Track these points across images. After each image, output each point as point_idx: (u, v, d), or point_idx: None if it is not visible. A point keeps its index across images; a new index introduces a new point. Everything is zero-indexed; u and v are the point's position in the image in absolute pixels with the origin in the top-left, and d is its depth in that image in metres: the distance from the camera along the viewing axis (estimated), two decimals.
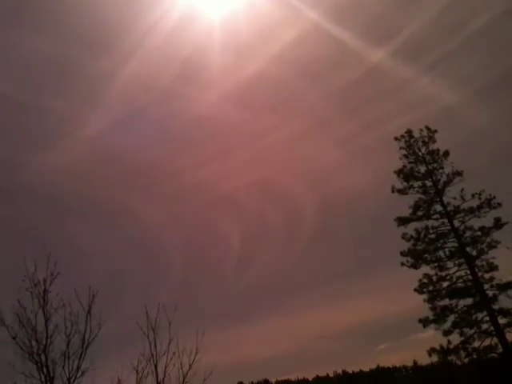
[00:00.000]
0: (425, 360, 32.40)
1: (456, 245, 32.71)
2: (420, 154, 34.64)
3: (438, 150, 34.30)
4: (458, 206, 33.03)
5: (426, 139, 34.70)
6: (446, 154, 34.15)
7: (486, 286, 31.28)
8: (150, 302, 16.34)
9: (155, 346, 15.36)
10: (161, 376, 15.21)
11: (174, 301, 16.47)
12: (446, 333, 30.88)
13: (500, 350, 29.78)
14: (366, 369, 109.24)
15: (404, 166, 34.61)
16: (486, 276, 31.54)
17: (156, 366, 15.19)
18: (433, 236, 33.20)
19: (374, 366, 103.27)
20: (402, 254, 33.16)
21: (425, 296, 32.08)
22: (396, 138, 35.28)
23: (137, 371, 14.61)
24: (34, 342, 13.48)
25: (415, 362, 24.00)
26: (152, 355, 15.23)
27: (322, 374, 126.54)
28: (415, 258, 32.93)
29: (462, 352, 30.23)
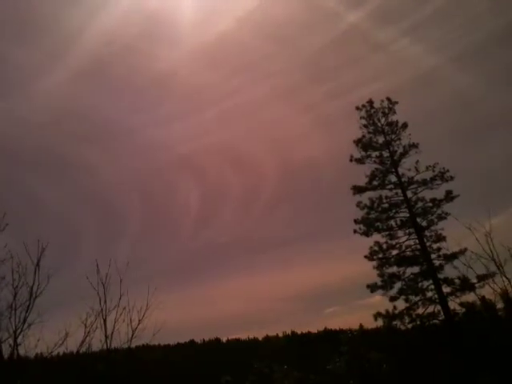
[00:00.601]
0: (370, 324, 33.41)
1: (407, 215, 33.58)
2: (379, 124, 34.96)
3: (397, 121, 34.72)
4: (412, 178, 33.78)
5: (386, 110, 34.99)
6: (405, 125, 34.61)
7: (433, 256, 32.39)
8: (104, 258, 16.04)
9: (105, 301, 15.18)
10: (109, 330, 15.06)
11: (128, 257, 16.24)
12: (392, 299, 31.95)
13: (442, 317, 31.10)
14: (314, 330, 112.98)
15: (363, 136, 34.91)
16: (434, 246, 32.62)
17: (105, 321, 15.03)
18: (386, 205, 33.91)
19: (321, 328, 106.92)
20: (356, 221, 33.79)
21: (374, 263, 32.94)
22: (357, 108, 35.45)
23: (85, 325, 14.40)
24: None
25: (361, 326, 24.92)
26: (101, 310, 15.03)
27: (272, 334, 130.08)
28: (367, 226, 33.62)
29: (406, 317, 31.38)
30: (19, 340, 13.45)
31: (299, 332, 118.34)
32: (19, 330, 13.40)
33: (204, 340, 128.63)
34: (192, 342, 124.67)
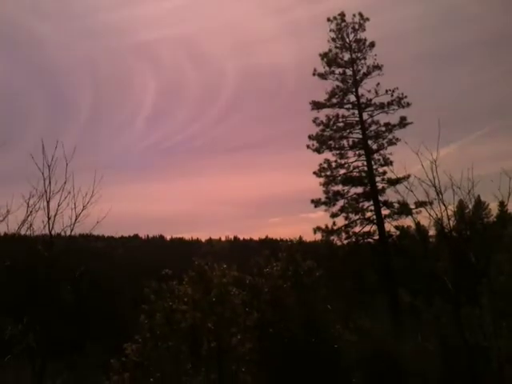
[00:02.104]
0: (310, 237, 34.82)
1: (360, 136, 34.12)
2: (347, 40, 34.32)
3: (365, 39, 34.17)
4: (371, 100, 33.96)
5: (357, 26, 34.26)
6: (372, 45, 34.15)
7: (377, 179, 33.52)
8: (51, 140, 15.48)
9: (49, 183, 14.82)
10: (52, 212, 14.89)
11: (75, 143, 15.78)
12: (334, 215, 33.27)
13: (377, 236, 32.78)
14: (256, 238, 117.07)
15: (330, 50, 34.34)
16: (380, 169, 33.74)
17: (48, 203, 14.80)
18: (341, 125, 34.26)
19: (263, 237, 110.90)
20: (310, 137, 34.09)
21: (321, 180, 33.82)
22: (328, 19, 34.44)
23: (28, 204, 14.14)
24: None
25: (300, 237, 25.96)
26: (45, 191, 14.72)
27: (215, 237, 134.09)
28: (321, 143, 34.03)
29: (343, 234, 32.93)
30: None
31: (241, 238, 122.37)
32: None
33: (148, 236, 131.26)
34: (136, 236, 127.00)
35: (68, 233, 16.19)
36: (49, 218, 15.09)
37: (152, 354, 17.77)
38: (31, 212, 14.43)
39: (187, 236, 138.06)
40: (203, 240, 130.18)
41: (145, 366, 17.96)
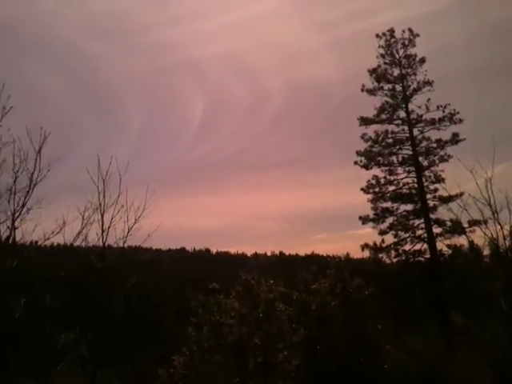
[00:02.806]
0: (357, 254, 34.31)
1: (410, 153, 33.49)
2: (397, 56, 33.93)
3: (416, 55, 33.70)
4: (421, 116, 33.32)
5: (406, 42, 33.82)
6: (422, 60, 33.62)
7: (428, 196, 32.70)
8: (104, 154, 16.04)
9: (104, 196, 15.31)
10: (106, 225, 15.34)
11: (128, 157, 16.29)
12: (382, 232, 32.62)
13: (428, 255, 31.92)
14: (301, 253, 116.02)
15: (379, 66, 33.98)
16: (431, 187, 32.88)
17: (102, 216, 15.28)
18: (390, 141, 33.72)
19: (309, 252, 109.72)
20: (358, 153, 33.73)
21: (370, 196, 33.30)
22: (377, 36, 34.20)
23: (83, 217, 14.64)
24: None
25: (348, 254, 25.65)
26: (100, 204, 15.21)
27: (261, 252, 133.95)
28: (369, 159, 33.60)
29: (392, 252, 32.24)
30: (17, 223, 13.70)
31: (287, 253, 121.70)
32: (17, 214, 13.61)
33: (194, 249, 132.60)
34: (183, 249, 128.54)
35: (120, 245, 16.64)
36: (103, 231, 15.57)
37: (199, 367, 17.91)
38: (86, 224, 14.92)
39: (233, 250, 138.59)
40: (249, 254, 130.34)
41: (192, 378, 18.12)
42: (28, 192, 13.52)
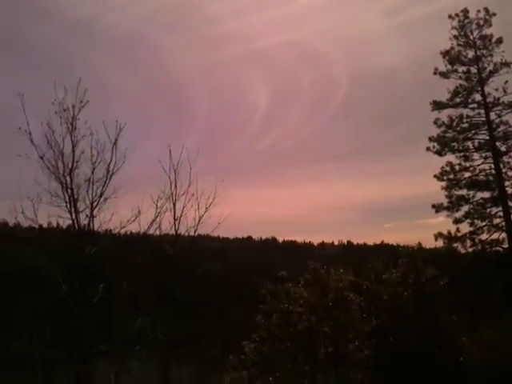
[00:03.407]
0: (429, 244, 33.19)
1: (487, 138, 31.84)
2: (471, 37, 32.24)
3: (492, 35, 31.84)
4: (498, 99, 31.53)
5: (482, 22, 32.02)
6: (499, 41, 31.72)
7: (506, 183, 31.03)
8: (173, 145, 16.42)
9: (175, 185, 15.70)
10: (178, 214, 15.71)
11: (196, 147, 16.57)
12: (457, 221, 31.29)
13: (506, 245, 30.36)
14: (370, 243, 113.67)
15: (452, 48, 32.40)
16: (510, 173, 31.16)
17: (174, 205, 15.68)
18: (465, 125, 32.18)
19: (378, 242, 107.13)
20: (430, 139, 32.44)
21: (443, 183, 31.97)
22: (450, 16, 32.60)
23: (156, 206, 15.04)
24: (60, 164, 13.71)
25: (420, 244, 24.71)
26: (172, 194, 15.62)
27: (328, 241, 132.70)
28: (442, 144, 32.25)
29: (468, 241, 30.90)
30: (95, 212, 14.26)
31: (355, 242, 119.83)
32: (95, 203, 14.16)
33: (261, 238, 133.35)
34: (249, 238, 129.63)
35: (192, 233, 17.02)
36: (175, 219, 15.99)
37: (270, 354, 18.06)
38: (159, 213, 15.32)
39: (299, 239, 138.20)
40: (315, 244, 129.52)
41: (262, 364, 18.31)
42: (105, 182, 14.02)
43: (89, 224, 14.45)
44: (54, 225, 15.57)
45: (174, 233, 16.88)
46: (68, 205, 13.91)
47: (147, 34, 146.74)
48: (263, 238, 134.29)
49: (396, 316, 18.36)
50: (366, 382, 18.17)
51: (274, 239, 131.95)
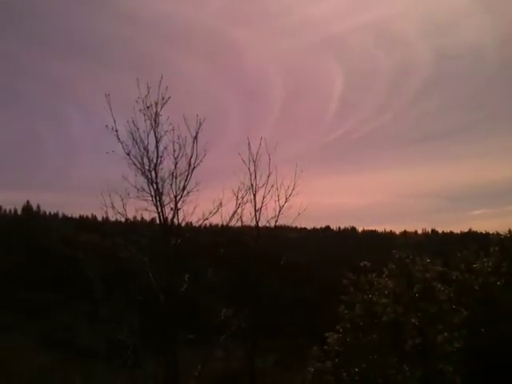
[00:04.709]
0: None
1: None
2: None
3: None
4: None
5: None
6: None
7: None
8: (251, 136, 16.52)
9: (255, 177, 15.80)
10: (258, 205, 15.80)
11: (275, 137, 16.56)
12: None
13: None
14: (456, 231, 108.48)
15: None
16: None
17: (255, 196, 15.77)
18: None
19: (465, 230, 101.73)
20: None
21: None
22: None
23: (237, 197, 15.21)
24: (145, 160, 14.27)
25: (510, 231, 23.07)
26: (252, 185, 15.73)
27: (410, 230, 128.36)
28: None
29: None
30: (179, 205, 14.71)
31: (440, 230, 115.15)
32: (179, 196, 14.63)
33: (339, 228, 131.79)
34: (328, 228, 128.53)
35: (272, 224, 17.08)
36: (256, 210, 16.12)
37: (354, 345, 17.77)
38: (240, 204, 15.50)
39: (380, 229, 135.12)
40: (397, 233, 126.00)
41: (346, 355, 18.05)
42: (187, 176, 14.41)
43: (173, 217, 14.92)
44: (140, 218, 16.18)
45: (254, 224, 17.02)
46: (153, 199, 14.47)
47: (223, 28, 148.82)
48: (341, 227, 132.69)
49: (488, 307, 17.39)
50: (457, 374, 17.36)
51: (353, 229, 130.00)
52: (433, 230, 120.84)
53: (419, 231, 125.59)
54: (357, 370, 17.15)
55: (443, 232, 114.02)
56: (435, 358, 17.42)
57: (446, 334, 17.34)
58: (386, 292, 18.43)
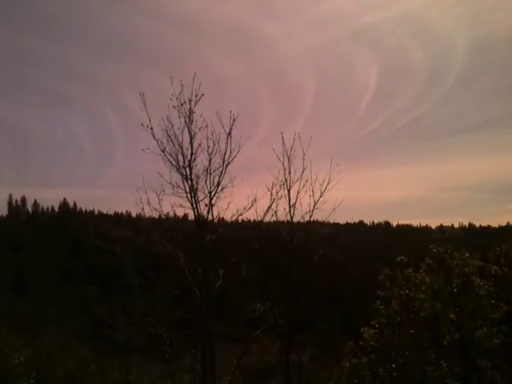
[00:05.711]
0: None
1: None
2: None
3: None
4: None
5: None
6: None
7: None
8: (284, 131, 16.42)
9: (289, 172, 15.68)
10: (293, 200, 15.72)
11: (309, 131, 16.47)
12: None
13: None
14: (494, 224, 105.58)
15: None
16: None
17: (289, 191, 15.67)
18: None
19: (504, 223, 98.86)
20: None
21: None
22: None
23: (271, 193, 15.15)
24: (180, 156, 14.37)
25: None
26: (286, 180, 15.62)
27: (447, 224, 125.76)
28: None
29: None
30: (213, 201, 14.79)
31: (478, 225, 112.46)
32: (213, 192, 14.69)
33: (373, 222, 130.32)
34: (361, 222, 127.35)
35: (307, 219, 16.98)
36: (290, 206, 16.02)
37: (391, 341, 17.60)
38: (274, 200, 15.45)
39: (415, 223, 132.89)
40: (433, 227, 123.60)
41: (382, 351, 17.90)
42: (221, 172, 14.44)
43: (208, 212, 15.03)
44: (173, 214, 16.35)
45: (288, 219, 16.96)
46: (188, 195, 14.58)
47: (254, 23, 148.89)
48: (375, 222, 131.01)
49: None
50: (496, 370, 17.01)
51: (386, 223, 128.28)
52: (470, 224, 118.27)
53: (456, 225, 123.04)
54: (394, 365, 16.98)
55: (481, 226, 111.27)
56: (474, 353, 17.12)
57: (485, 330, 17.02)
58: (424, 287, 18.17)
